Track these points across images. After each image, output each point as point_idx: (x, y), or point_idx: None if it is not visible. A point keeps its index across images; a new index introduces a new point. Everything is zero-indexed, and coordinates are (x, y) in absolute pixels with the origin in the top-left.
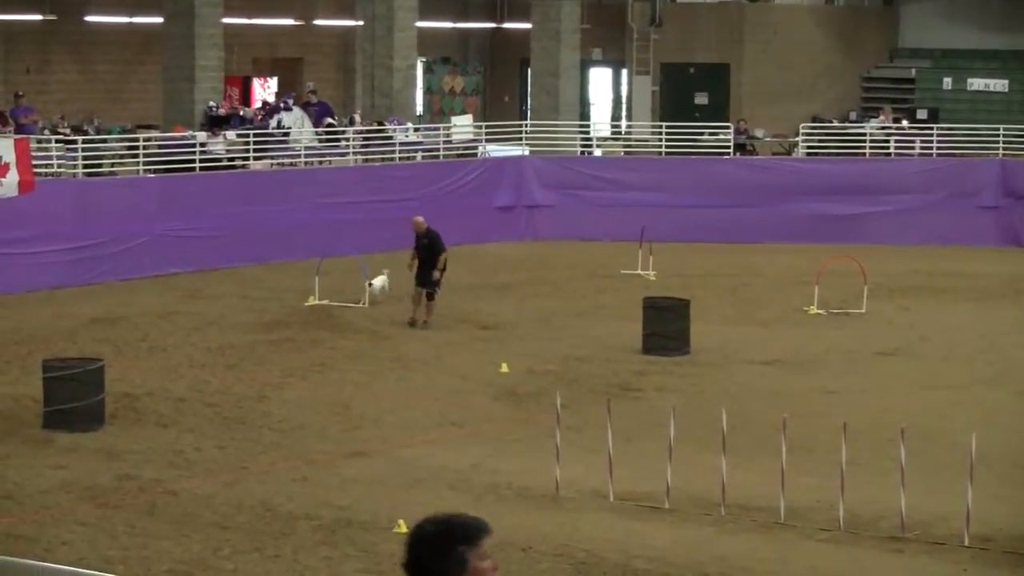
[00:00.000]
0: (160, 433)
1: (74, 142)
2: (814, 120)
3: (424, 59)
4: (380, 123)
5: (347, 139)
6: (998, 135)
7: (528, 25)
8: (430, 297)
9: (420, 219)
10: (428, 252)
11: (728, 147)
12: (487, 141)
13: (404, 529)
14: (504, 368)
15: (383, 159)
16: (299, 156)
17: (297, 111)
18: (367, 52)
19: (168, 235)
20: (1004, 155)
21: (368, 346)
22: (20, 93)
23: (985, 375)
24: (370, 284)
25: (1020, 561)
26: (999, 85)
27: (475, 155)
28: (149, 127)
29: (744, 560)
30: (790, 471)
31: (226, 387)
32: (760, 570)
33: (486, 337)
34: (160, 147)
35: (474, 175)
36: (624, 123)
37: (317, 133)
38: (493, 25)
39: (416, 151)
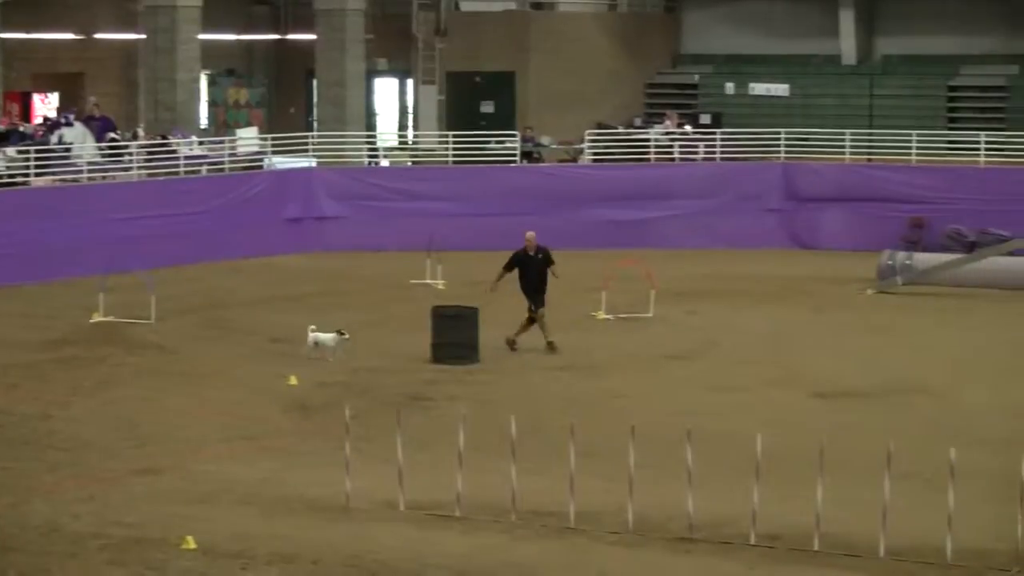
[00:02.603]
0: None
1: None
2: (599, 126)
3: (208, 72)
4: (164, 137)
5: (131, 154)
6: (780, 139)
7: (313, 36)
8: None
9: (532, 235)
10: (541, 267)
11: (515, 155)
12: (273, 153)
13: (193, 545)
14: (293, 380)
15: (168, 173)
16: (82, 172)
17: (79, 126)
18: (150, 65)
19: None
20: (786, 159)
21: (156, 361)
22: None
23: (772, 376)
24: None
25: (805, 558)
26: (780, 89)
27: (261, 167)
28: None
29: (535, 565)
30: (580, 475)
31: (10, 407)
32: (551, 575)
33: (276, 350)
34: None
35: (261, 187)
36: (411, 133)
37: (100, 148)
38: (277, 36)
39: (201, 164)
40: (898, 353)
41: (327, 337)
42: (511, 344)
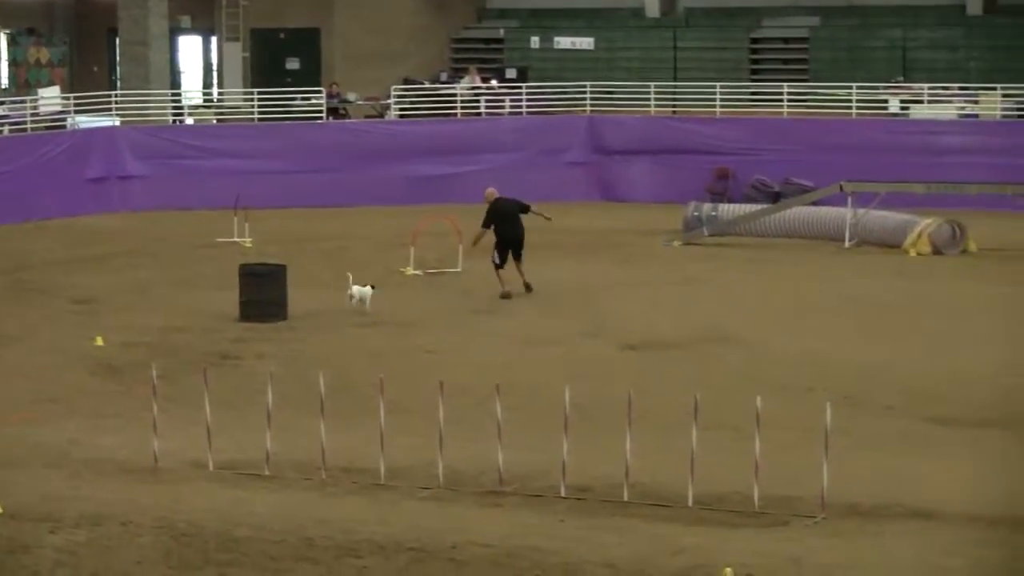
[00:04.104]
0: None
1: None
2: (405, 82)
3: (7, 31)
4: None
5: None
6: (585, 92)
7: None
8: (519, 257)
9: (492, 190)
10: (510, 217)
11: (321, 112)
12: (76, 112)
13: (0, 510)
14: (99, 341)
15: None
16: None
17: None
18: None
19: None
20: (592, 112)
21: None
22: None
23: (581, 329)
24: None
25: (615, 509)
26: (585, 43)
27: (64, 127)
28: None
29: (345, 522)
30: (390, 432)
31: None
32: (361, 531)
33: (80, 311)
34: None
35: (63, 147)
36: (216, 91)
37: None
38: None
39: (3, 125)
40: (705, 304)
41: (365, 290)
42: (507, 296)
